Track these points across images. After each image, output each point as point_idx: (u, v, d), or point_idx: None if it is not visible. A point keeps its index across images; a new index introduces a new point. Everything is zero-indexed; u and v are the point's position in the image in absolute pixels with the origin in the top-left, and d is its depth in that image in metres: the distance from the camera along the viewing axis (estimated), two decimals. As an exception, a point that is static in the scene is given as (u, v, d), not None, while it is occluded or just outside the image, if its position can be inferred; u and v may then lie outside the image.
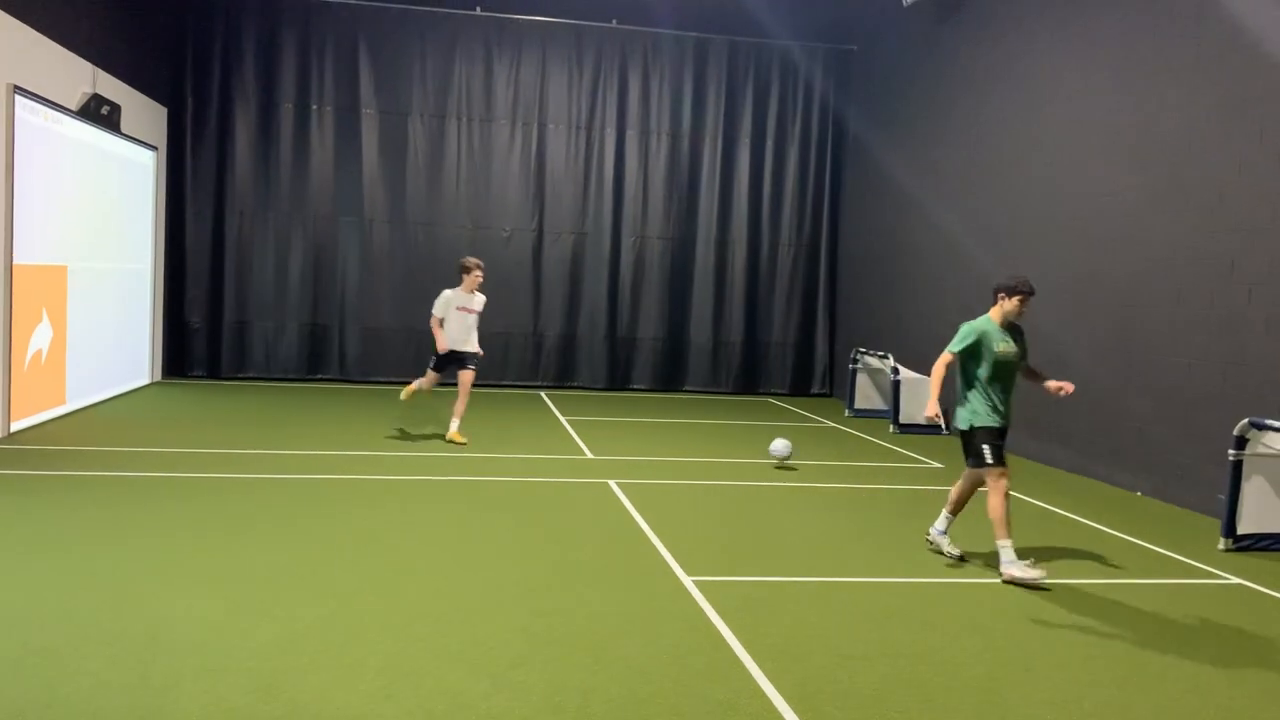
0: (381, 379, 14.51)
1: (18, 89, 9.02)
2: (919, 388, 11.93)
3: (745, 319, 15.53)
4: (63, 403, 10.33)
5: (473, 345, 9.84)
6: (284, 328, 14.37)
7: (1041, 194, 10.48)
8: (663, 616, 5.08)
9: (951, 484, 8.68)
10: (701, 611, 5.16)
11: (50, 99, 9.75)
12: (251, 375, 14.28)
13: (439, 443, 9.85)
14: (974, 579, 6.03)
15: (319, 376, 14.48)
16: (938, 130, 12.76)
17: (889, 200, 14.09)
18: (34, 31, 9.43)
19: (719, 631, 4.87)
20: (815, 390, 15.79)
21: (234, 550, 5.88)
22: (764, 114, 15.47)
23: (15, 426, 9.16)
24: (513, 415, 12.15)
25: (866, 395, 13.67)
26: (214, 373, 14.21)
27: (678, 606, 5.25)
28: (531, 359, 15.05)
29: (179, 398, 12.35)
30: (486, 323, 14.75)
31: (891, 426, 12.22)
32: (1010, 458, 10.17)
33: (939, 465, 9.95)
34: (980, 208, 11.70)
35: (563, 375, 15.14)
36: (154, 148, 13.18)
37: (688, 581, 5.66)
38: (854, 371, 13.68)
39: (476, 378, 10.08)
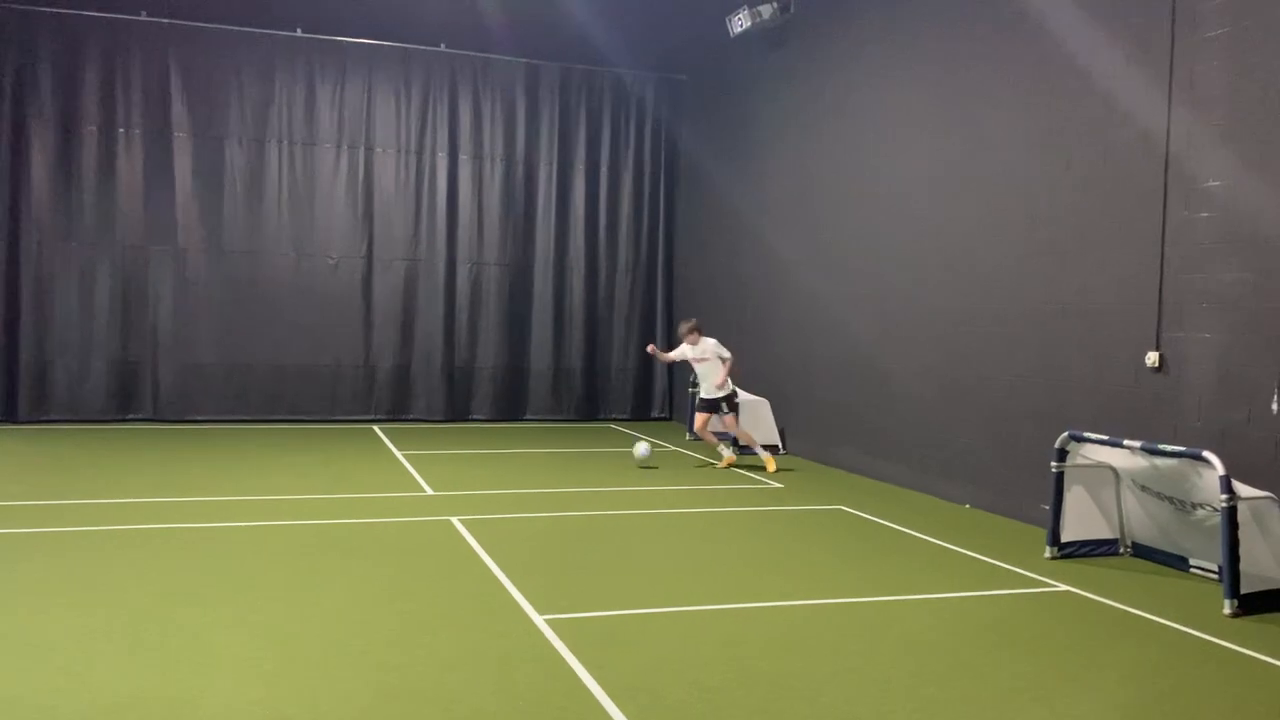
0: (201, 418, 13.64)
1: None
2: (757, 410, 12.13)
3: (585, 344, 15.44)
4: None
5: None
6: (89, 366, 13.33)
7: (872, 223, 10.81)
8: (517, 660, 4.87)
9: (788, 504, 8.95)
10: (556, 652, 4.98)
11: None
12: (54, 418, 13.16)
13: (273, 483, 9.28)
14: (821, 600, 6.09)
15: (130, 417, 13.48)
16: (769, 160, 13.02)
17: (725, 227, 14.29)
18: None
19: (575, 673, 4.70)
20: (655, 414, 15.84)
21: (48, 612, 5.31)
22: (598, 140, 15.46)
23: None
24: (345, 451, 11.62)
25: (706, 418, 13.78)
26: (11, 416, 13.02)
27: (532, 648, 5.05)
28: (364, 391, 14.47)
29: (-32, 445, 11.23)
30: (314, 354, 14.29)
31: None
32: (853, 477, 10.51)
33: (779, 485, 10.09)
34: (812, 236, 11.97)
35: (397, 408, 14.62)
36: (-66, 172, 12.01)
37: (540, 621, 5.47)
38: (694, 395, 13.77)
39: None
